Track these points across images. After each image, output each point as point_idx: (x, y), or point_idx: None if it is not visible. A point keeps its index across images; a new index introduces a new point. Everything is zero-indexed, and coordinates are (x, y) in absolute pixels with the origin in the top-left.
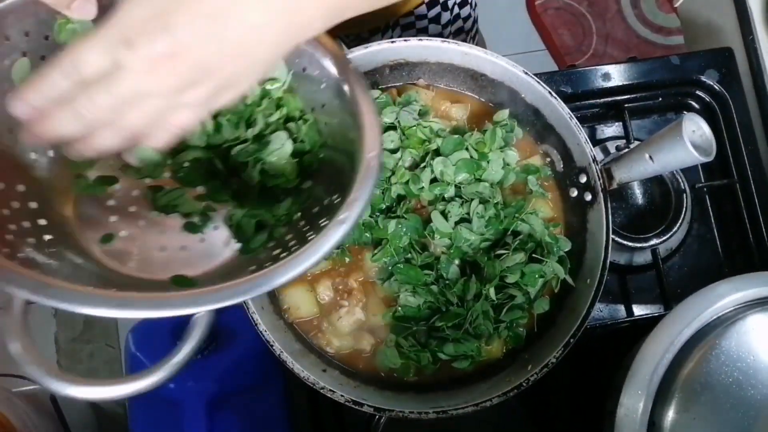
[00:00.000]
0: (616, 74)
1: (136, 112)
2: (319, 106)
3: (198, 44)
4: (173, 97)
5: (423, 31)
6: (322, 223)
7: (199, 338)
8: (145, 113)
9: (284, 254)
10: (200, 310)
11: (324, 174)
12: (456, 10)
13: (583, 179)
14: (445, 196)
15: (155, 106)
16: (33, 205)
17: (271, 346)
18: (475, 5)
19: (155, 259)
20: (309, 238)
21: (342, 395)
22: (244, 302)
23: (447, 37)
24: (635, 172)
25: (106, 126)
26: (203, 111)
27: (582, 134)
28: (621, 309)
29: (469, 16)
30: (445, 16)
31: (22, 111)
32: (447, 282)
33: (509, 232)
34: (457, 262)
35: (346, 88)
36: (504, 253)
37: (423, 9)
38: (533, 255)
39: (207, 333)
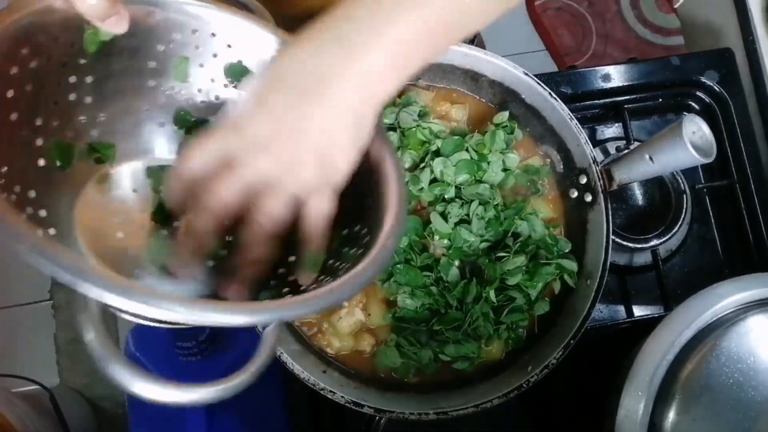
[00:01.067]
0: (616, 75)
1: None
2: None
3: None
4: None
5: None
6: (352, 251)
7: (270, 350)
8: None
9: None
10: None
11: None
12: None
13: (583, 180)
14: (445, 196)
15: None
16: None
17: None
18: None
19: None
20: (340, 268)
21: (342, 396)
22: None
23: None
24: (635, 173)
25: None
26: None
27: (582, 135)
28: (621, 310)
29: None
30: None
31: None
32: (447, 284)
33: (509, 234)
34: (456, 263)
35: None
36: (505, 256)
37: None
38: (534, 257)
39: (275, 346)
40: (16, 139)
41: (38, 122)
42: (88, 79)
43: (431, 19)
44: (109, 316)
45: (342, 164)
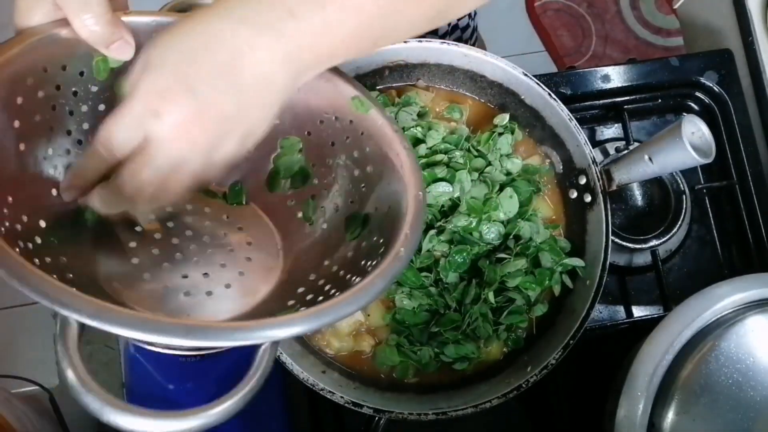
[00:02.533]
0: (615, 76)
1: (176, 178)
2: (352, 157)
3: (220, 98)
4: (208, 157)
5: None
6: (365, 265)
7: (265, 369)
8: (185, 178)
9: (320, 298)
10: (273, 337)
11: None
12: (453, 21)
13: (583, 181)
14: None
15: (192, 171)
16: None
17: None
18: (475, 14)
19: (176, 302)
20: (352, 281)
21: (341, 396)
22: None
23: None
24: (635, 173)
25: (149, 198)
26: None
27: (581, 136)
28: (620, 310)
29: (468, 26)
30: (442, 28)
31: (72, 197)
32: (446, 286)
33: (510, 236)
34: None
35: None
36: (505, 258)
37: None
38: (535, 259)
39: (272, 364)
40: (25, 170)
41: (50, 151)
42: (101, 107)
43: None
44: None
45: (275, 98)
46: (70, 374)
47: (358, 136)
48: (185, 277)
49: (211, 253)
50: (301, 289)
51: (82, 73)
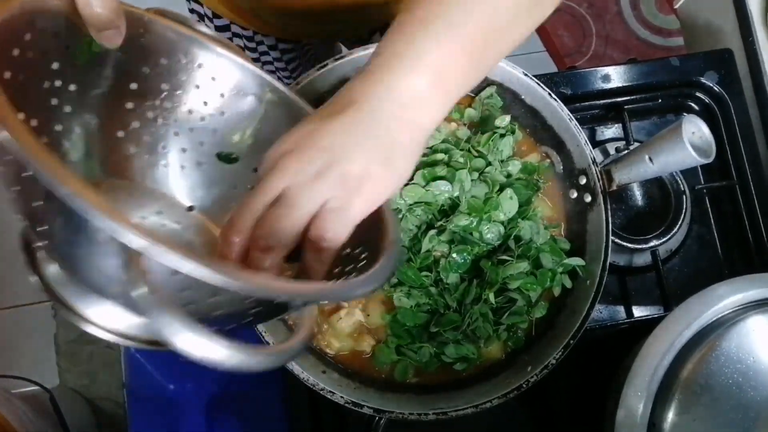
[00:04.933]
0: (615, 76)
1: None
2: None
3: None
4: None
5: None
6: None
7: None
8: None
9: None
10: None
11: None
12: None
13: (583, 181)
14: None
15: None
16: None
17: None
18: None
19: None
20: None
21: (342, 396)
22: None
23: None
24: (635, 173)
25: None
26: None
27: (582, 136)
28: (621, 310)
29: None
30: None
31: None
32: (446, 286)
33: (511, 237)
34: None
35: None
36: (507, 260)
37: None
38: (536, 261)
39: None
40: None
41: (20, 117)
42: (72, 87)
43: (467, 40)
44: None
45: (380, 192)
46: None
47: None
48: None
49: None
50: None
51: (67, 47)
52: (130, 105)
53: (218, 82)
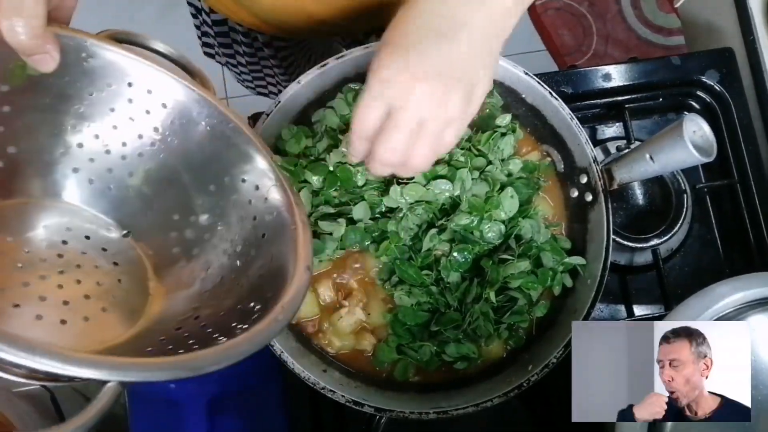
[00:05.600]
0: (616, 75)
1: (422, 140)
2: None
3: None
4: (442, 114)
5: None
6: (235, 327)
7: (104, 407)
8: (428, 137)
9: (180, 350)
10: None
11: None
12: None
13: (584, 180)
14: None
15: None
16: None
17: (272, 346)
18: None
19: (21, 321)
20: (218, 341)
21: (342, 395)
22: None
23: None
24: (636, 172)
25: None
26: (463, 125)
27: (583, 135)
28: (621, 309)
29: None
30: None
31: (357, 159)
32: (447, 284)
33: (512, 236)
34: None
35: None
36: (508, 259)
37: None
38: (537, 260)
39: (108, 409)
40: None
41: None
42: (5, 109)
43: None
44: None
45: (480, 95)
46: None
47: (262, 202)
48: (42, 299)
49: (78, 280)
50: (162, 338)
51: None
52: (71, 126)
53: (154, 94)
